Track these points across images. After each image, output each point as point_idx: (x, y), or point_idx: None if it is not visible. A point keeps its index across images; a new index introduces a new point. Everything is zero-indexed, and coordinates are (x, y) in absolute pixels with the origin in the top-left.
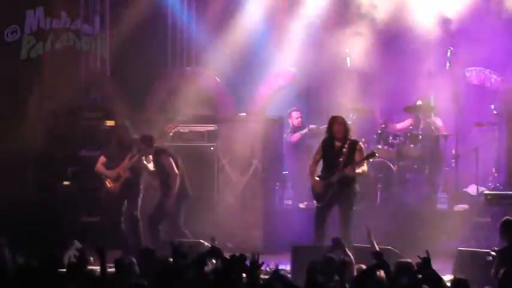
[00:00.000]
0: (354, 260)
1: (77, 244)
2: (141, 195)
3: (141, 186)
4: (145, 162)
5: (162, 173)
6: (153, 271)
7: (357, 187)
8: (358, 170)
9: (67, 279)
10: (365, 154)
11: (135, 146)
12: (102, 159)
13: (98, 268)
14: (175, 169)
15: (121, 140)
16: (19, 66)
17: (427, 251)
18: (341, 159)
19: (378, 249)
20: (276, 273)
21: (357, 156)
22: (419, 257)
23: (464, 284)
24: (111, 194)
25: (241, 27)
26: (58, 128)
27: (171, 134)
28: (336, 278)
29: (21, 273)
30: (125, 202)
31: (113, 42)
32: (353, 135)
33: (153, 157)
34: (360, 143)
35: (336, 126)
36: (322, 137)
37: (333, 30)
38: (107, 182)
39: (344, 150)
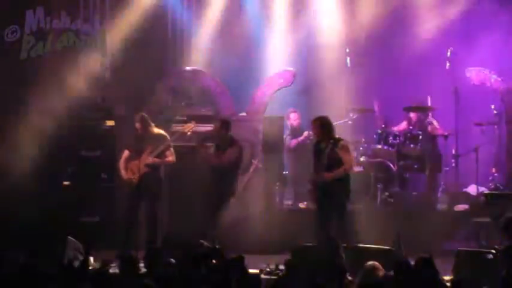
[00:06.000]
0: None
1: (77, 244)
2: (160, 192)
3: (162, 182)
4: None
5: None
6: (159, 271)
7: (347, 186)
8: (332, 174)
9: (67, 279)
10: (349, 151)
11: (156, 139)
12: (126, 153)
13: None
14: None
15: (136, 133)
16: (19, 66)
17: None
18: (324, 162)
19: (404, 254)
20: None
21: (342, 155)
22: (420, 256)
23: (464, 284)
24: (129, 187)
25: (241, 27)
26: (58, 128)
27: (189, 133)
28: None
29: (22, 274)
30: (142, 198)
31: (113, 43)
32: (353, 135)
33: (227, 144)
34: (342, 141)
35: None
36: None
37: (332, 30)
38: (123, 172)
39: (327, 151)
